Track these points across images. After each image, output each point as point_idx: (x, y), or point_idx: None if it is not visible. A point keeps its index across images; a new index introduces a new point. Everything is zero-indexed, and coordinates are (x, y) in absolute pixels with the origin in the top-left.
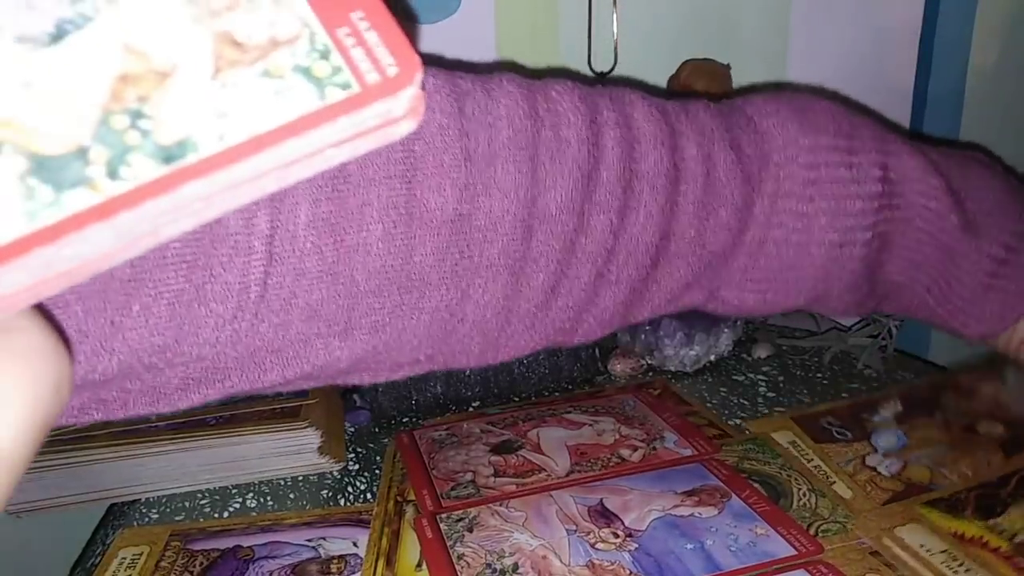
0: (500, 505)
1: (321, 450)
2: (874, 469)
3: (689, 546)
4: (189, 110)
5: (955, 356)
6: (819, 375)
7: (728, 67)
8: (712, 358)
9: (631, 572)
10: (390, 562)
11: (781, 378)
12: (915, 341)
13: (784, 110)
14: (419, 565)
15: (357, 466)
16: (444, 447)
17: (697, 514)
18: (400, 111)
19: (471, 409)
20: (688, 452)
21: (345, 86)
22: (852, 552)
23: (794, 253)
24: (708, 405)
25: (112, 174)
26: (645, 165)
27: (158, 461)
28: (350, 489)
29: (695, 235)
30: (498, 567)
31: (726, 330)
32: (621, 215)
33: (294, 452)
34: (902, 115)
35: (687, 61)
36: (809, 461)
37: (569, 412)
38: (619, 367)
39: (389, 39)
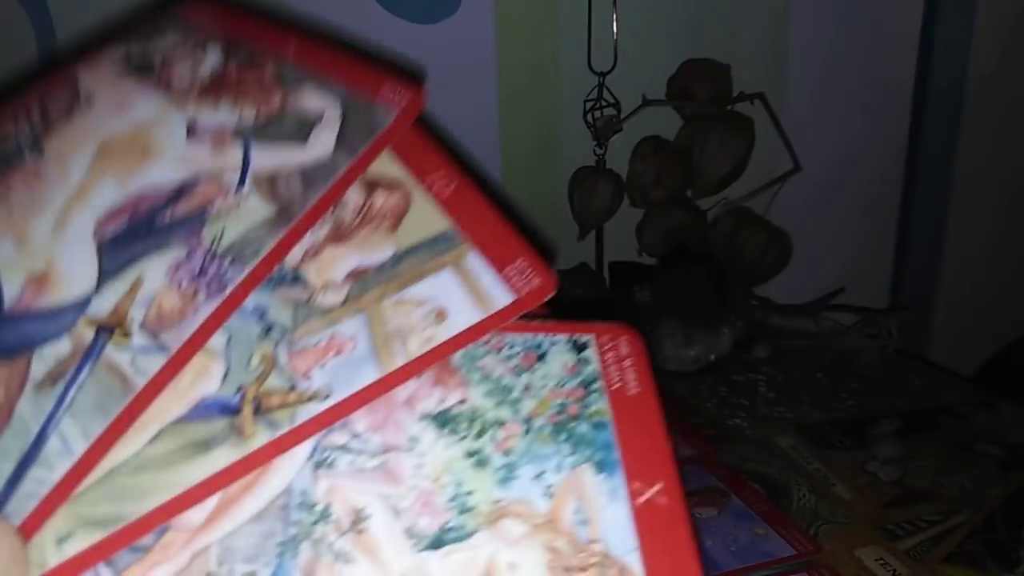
0: None
1: None
2: (874, 474)
3: None
4: None
5: (954, 357)
6: (819, 375)
7: (728, 67)
8: (712, 358)
9: None
10: None
11: (781, 378)
12: (915, 341)
13: None
14: None
15: None
16: None
17: (697, 514)
18: None
19: None
20: (688, 452)
21: None
22: (851, 552)
23: None
24: (708, 405)
25: None
26: None
27: None
28: None
29: None
30: None
31: (726, 330)
32: None
33: None
34: (901, 116)
35: (687, 61)
36: (809, 464)
37: None
38: None
39: None
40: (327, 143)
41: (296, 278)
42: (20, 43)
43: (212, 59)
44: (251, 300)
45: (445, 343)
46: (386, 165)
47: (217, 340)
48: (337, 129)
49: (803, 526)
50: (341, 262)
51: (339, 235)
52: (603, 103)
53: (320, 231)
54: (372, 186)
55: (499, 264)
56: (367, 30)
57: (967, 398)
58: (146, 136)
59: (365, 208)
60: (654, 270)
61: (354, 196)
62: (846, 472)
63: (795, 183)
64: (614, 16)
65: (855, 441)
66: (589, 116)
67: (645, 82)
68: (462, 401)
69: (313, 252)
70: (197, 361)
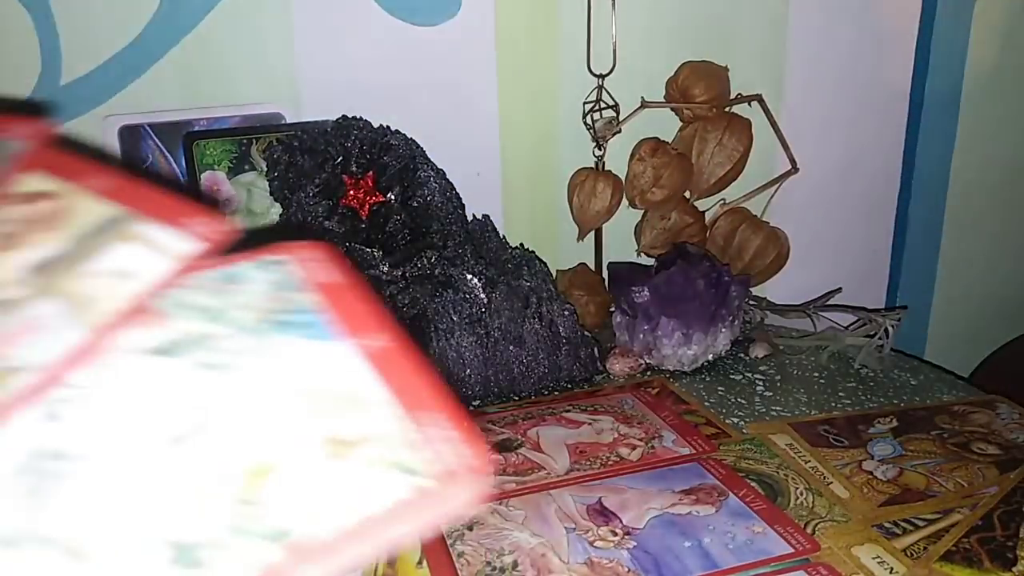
0: (500, 504)
1: None
2: (871, 473)
3: (687, 544)
4: (296, 500)
5: (951, 356)
6: (816, 375)
7: (726, 69)
8: (710, 358)
9: (629, 570)
10: (391, 560)
11: (778, 377)
12: (912, 341)
13: None
14: (420, 563)
15: None
16: None
17: (695, 512)
18: (474, 495)
19: (471, 408)
20: (686, 451)
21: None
22: (848, 551)
23: None
24: (706, 404)
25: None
26: None
27: None
28: None
29: None
30: (498, 565)
31: (724, 330)
32: None
33: None
34: (899, 116)
35: (685, 63)
36: (806, 462)
37: (568, 411)
38: (617, 366)
39: (467, 437)
40: None
41: None
42: (21, 43)
43: None
44: None
45: (140, 293)
46: (44, 182)
47: None
48: None
49: (800, 524)
50: (16, 261)
51: (7, 243)
52: (602, 105)
53: None
54: (33, 198)
55: (172, 223)
56: (368, 32)
57: (963, 397)
58: None
59: (28, 216)
60: (653, 270)
61: (16, 209)
62: (843, 471)
63: (793, 184)
64: (613, 18)
65: (852, 440)
66: (588, 118)
67: (644, 84)
68: (174, 332)
69: None
70: None
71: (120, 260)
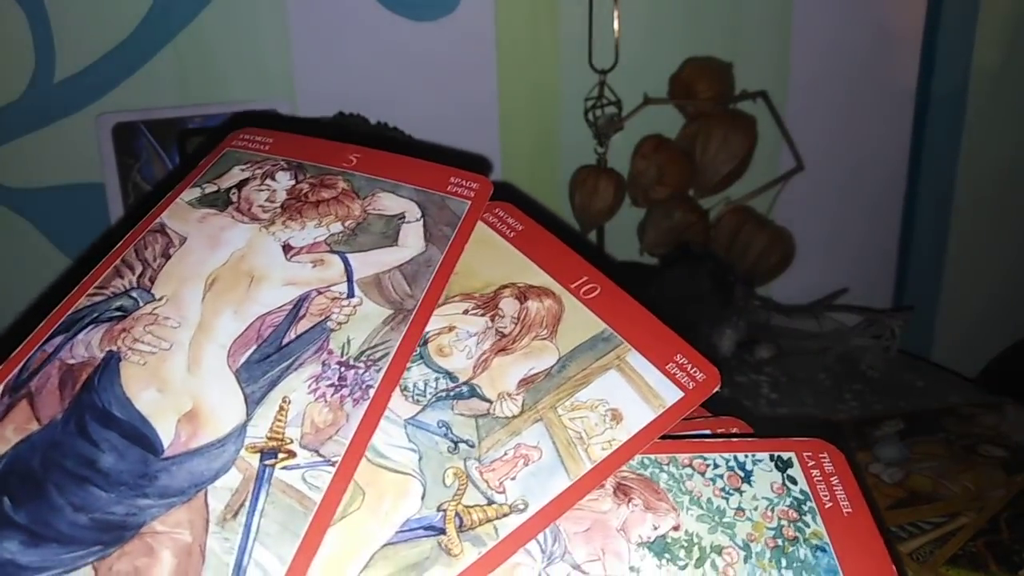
0: None
1: None
2: (877, 476)
3: None
4: None
5: (958, 358)
6: (822, 376)
7: (730, 65)
8: (714, 359)
9: None
10: None
11: (783, 379)
12: (919, 342)
13: None
14: None
15: None
16: None
17: None
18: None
19: None
20: None
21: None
22: None
23: None
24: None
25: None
26: None
27: None
28: None
29: None
30: None
31: (728, 331)
32: None
33: None
34: (904, 115)
35: (689, 59)
36: None
37: None
38: None
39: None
40: (417, 240)
41: (472, 391)
42: (14, 40)
43: (283, 183)
44: (434, 416)
45: (626, 444)
46: (532, 274)
47: (409, 458)
48: (422, 225)
49: None
50: (511, 371)
51: (503, 345)
52: (604, 101)
53: (484, 343)
54: (523, 295)
55: (660, 360)
56: (364, 27)
57: (971, 399)
58: (246, 264)
59: (522, 316)
60: (656, 270)
61: (509, 306)
62: None
63: (798, 182)
64: (615, 13)
65: (858, 443)
66: (590, 114)
67: (646, 80)
68: (676, 527)
69: (482, 364)
70: (394, 481)
71: (610, 397)
